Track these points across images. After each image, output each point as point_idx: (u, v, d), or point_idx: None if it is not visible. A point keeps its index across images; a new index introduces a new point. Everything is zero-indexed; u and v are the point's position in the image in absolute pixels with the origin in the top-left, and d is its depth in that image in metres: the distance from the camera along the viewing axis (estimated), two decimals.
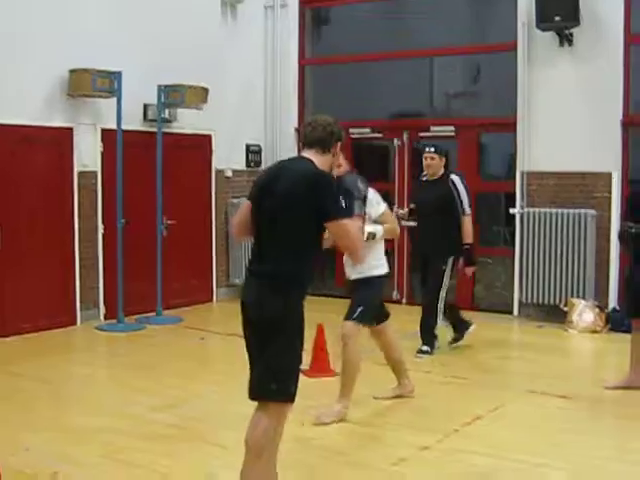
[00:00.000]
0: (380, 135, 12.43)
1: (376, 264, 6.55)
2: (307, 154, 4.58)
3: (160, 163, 10.54)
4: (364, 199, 5.80)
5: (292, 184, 4.35)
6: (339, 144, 4.66)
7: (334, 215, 4.27)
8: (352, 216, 4.65)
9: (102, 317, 10.43)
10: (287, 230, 4.34)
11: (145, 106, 10.75)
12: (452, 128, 11.59)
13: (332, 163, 4.69)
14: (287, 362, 4.37)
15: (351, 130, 12.37)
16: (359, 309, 6.45)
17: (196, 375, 8.03)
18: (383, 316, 6.87)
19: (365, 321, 6.55)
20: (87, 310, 10.29)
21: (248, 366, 4.49)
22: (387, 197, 12.05)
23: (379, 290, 6.78)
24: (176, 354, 9.02)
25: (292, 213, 4.30)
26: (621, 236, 7.86)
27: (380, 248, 6.66)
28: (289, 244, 4.36)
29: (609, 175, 10.38)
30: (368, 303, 6.55)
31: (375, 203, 6.49)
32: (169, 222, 10.84)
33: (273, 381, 4.31)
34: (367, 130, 12.38)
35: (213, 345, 9.65)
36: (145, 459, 5.64)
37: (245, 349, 4.57)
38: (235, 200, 12.05)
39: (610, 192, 10.38)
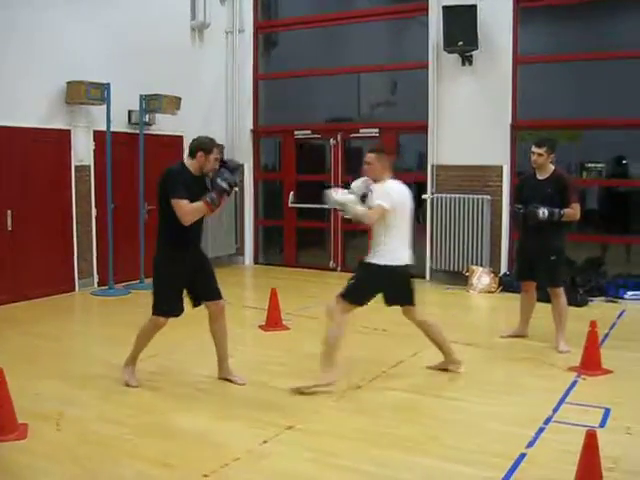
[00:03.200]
0: (319, 136, 12.38)
1: (381, 253, 5.78)
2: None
3: (142, 158, 10.39)
4: (364, 196, 5.80)
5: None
6: (200, 153, 5.61)
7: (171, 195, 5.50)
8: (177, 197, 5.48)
9: (96, 284, 10.25)
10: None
11: (129, 112, 10.56)
12: (377, 130, 11.60)
13: (202, 164, 5.62)
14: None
15: (296, 132, 12.35)
16: (347, 287, 5.86)
17: (174, 330, 7.90)
18: (402, 302, 6.12)
19: (349, 299, 5.81)
20: (84, 279, 10.12)
21: None
22: (324, 186, 12.15)
23: (373, 277, 5.85)
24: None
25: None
26: (512, 216, 8.06)
27: (392, 242, 5.78)
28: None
29: (501, 168, 10.47)
30: (356, 284, 5.85)
31: (374, 198, 5.73)
32: (149, 207, 10.68)
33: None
34: (308, 132, 12.33)
35: (186, 306, 9.51)
36: (134, 400, 5.60)
37: None
38: None
39: (501, 181, 10.48)
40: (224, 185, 5.52)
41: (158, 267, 5.94)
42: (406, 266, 5.87)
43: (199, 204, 5.48)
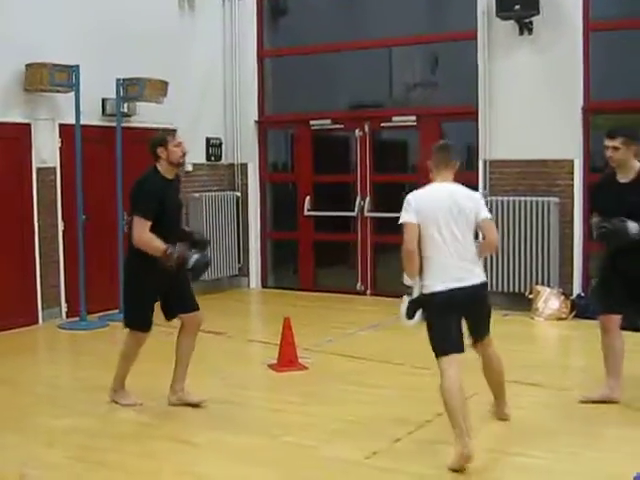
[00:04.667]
0: (341, 126, 12.39)
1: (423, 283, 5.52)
2: None
3: (120, 158, 10.43)
4: None
5: None
6: (159, 149, 6.46)
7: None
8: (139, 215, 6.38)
9: (64, 315, 10.30)
10: None
11: (103, 100, 10.64)
12: (413, 118, 11.60)
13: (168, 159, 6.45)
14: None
15: (312, 122, 12.36)
16: None
17: (164, 372, 7.91)
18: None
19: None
20: (49, 309, 10.17)
21: None
22: (349, 188, 12.17)
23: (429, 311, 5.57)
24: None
25: None
26: (598, 237, 6.67)
27: (427, 266, 5.52)
28: None
29: (571, 162, 10.43)
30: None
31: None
32: (129, 218, 10.72)
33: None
34: (328, 121, 12.34)
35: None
36: (115, 459, 5.56)
37: None
38: (196, 194, 11.98)
39: (572, 180, 10.43)
40: (191, 262, 6.37)
41: (130, 277, 6.69)
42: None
43: (158, 246, 6.24)
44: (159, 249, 6.21)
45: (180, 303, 6.67)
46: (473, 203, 5.65)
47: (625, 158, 6.31)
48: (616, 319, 6.66)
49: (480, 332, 5.88)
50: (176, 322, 6.86)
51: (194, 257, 6.39)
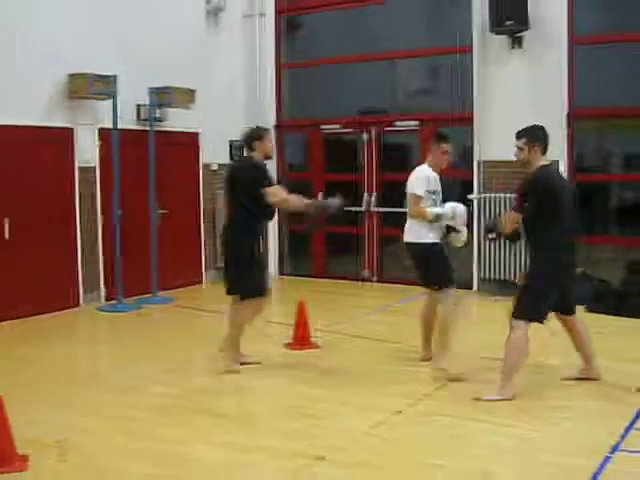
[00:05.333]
0: (350, 130, 12.39)
1: None
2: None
3: (153, 158, 10.46)
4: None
5: None
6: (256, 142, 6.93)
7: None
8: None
9: (103, 299, 10.33)
10: None
11: (138, 107, 10.66)
12: (415, 122, 11.59)
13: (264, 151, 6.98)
14: None
15: (323, 126, 12.35)
16: None
17: (192, 349, 7.97)
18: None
19: None
20: (89, 293, 10.21)
21: None
22: (356, 187, 12.18)
23: None
24: (172, 331, 8.97)
25: None
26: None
27: None
28: None
29: (556, 163, 10.35)
30: None
31: None
32: (162, 212, 10.79)
33: None
34: (337, 126, 12.34)
35: (205, 322, 9.57)
36: (149, 429, 5.59)
37: None
38: (221, 191, 11.99)
39: None
40: (331, 205, 6.82)
41: (245, 255, 6.90)
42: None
43: (299, 202, 7.02)
44: (301, 203, 6.93)
45: None
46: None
47: (528, 158, 6.07)
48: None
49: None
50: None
51: (332, 202, 6.81)
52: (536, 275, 6.16)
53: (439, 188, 7.04)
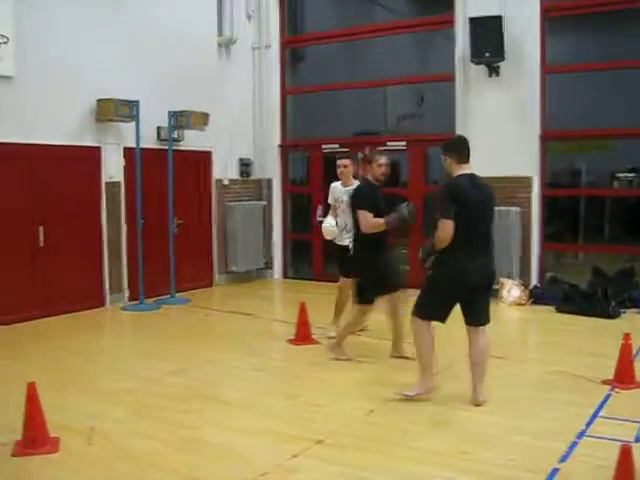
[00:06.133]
0: (347, 150, 12.36)
1: None
2: None
3: (171, 174, 10.46)
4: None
5: None
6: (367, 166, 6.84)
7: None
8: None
9: (126, 299, 10.32)
10: None
11: (158, 128, 10.65)
12: (404, 143, 11.59)
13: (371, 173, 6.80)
14: None
15: (323, 146, 12.36)
16: None
17: (204, 345, 7.97)
18: None
19: None
20: (114, 294, 10.19)
21: None
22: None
23: None
24: (187, 328, 8.96)
25: None
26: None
27: None
28: None
29: (530, 179, 10.40)
30: None
31: None
32: (178, 221, 10.80)
33: None
34: (336, 146, 12.33)
35: (216, 320, 9.57)
36: (166, 415, 5.59)
37: None
38: (231, 204, 12.05)
39: (530, 193, 10.39)
40: (404, 212, 6.51)
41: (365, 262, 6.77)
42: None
43: (379, 221, 6.55)
44: (380, 223, 6.52)
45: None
46: None
47: (447, 168, 5.75)
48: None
49: None
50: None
51: (404, 210, 6.52)
52: (435, 277, 5.66)
53: (344, 197, 7.65)
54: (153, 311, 9.88)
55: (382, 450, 4.84)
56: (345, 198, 7.60)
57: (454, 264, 5.48)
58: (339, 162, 7.93)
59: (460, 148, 5.69)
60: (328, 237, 7.94)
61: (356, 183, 7.52)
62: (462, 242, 5.41)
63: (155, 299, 10.38)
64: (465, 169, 5.62)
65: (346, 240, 7.62)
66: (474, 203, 5.48)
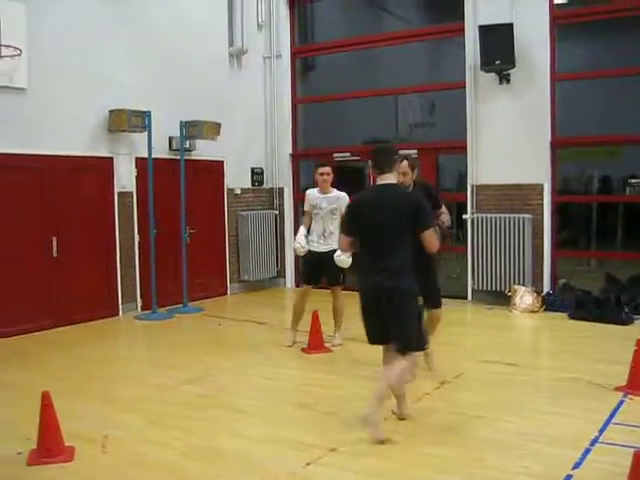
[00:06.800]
0: (358, 158, 12.42)
1: None
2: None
3: (183, 184, 10.52)
4: None
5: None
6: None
7: None
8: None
9: (139, 309, 10.37)
10: None
11: (170, 138, 10.71)
12: (415, 151, 11.59)
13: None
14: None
15: (335, 154, 12.38)
16: None
17: (218, 353, 8.00)
18: None
19: None
20: (127, 303, 10.23)
21: None
22: None
23: None
24: (200, 337, 8.99)
25: None
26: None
27: None
28: None
29: (541, 186, 10.39)
30: None
31: None
32: (191, 231, 10.84)
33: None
34: (347, 154, 12.37)
35: (229, 329, 9.60)
36: (180, 423, 5.62)
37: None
38: (243, 213, 12.09)
39: (542, 200, 10.39)
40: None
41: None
42: None
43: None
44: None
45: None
46: None
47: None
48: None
49: None
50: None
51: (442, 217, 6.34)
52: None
53: (324, 204, 7.88)
54: (166, 320, 9.92)
55: (396, 457, 4.84)
56: (325, 205, 7.87)
57: (358, 281, 5.38)
58: (323, 170, 7.98)
59: (378, 158, 5.29)
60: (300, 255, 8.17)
61: (334, 190, 7.88)
62: (363, 257, 5.32)
63: (168, 308, 10.42)
64: (384, 179, 5.23)
65: (326, 246, 7.82)
66: (368, 218, 5.18)
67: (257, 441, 5.19)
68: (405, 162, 6.30)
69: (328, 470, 4.66)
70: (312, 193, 8.09)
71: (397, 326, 5.11)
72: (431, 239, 5.11)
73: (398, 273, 5.07)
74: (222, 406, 6.06)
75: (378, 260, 5.13)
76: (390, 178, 5.22)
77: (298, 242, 7.95)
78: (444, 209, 6.55)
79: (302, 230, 8.03)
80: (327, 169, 8.01)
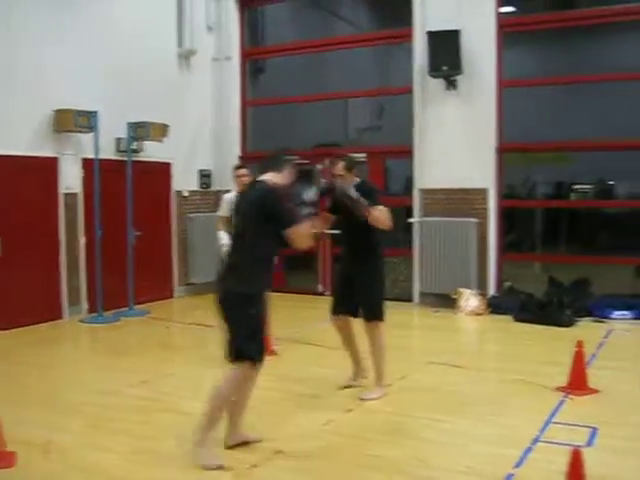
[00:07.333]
0: (307, 161, 12.41)
1: None
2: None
3: (130, 185, 10.41)
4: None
5: None
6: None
7: None
8: None
9: (85, 312, 10.24)
10: None
11: (117, 139, 10.61)
12: (364, 155, 11.68)
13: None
14: None
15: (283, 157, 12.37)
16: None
17: (164, 357, 7.96)
18: None
19: None
20: (73, 306, 10.09)
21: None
22: None
23: None
24: (146, 340, 8.93)
25: None
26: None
27: None
28: None
29: (487, 191, 10.56)
30: None
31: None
32: (137, 233, 10.74)
33: None
34: (296, 157, 12.36)
35: (176, 332, 9.56)
36: (125, 427, 5.58)
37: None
38: (191, 215, 12.04)
39: (487, 204, 10.55)
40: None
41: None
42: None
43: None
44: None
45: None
46: None
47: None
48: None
49: None
50: None
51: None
52: None
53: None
54: (112, 323, 9.81)
55: (339, 459, 4.89)
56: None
57: None
58: (239, 172, 7.71)
59: (264, 161, 5.23)
60: None
61: None
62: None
63: (114, 311, 10.31)
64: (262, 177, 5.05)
65: None
66: (234, 214, 5.13)
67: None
68: (341, 164, 6.25)
69: (271, 471, 4.68)
70: (231, 197, 7.81)
71: (229, 333, 4.86)
72: (297, 238, 4.76)
73: (235, 273, 4.82)
74: (168, 409, 6.03)
75: (229, 257, 4.99)
76: (268, 176, 4.97)
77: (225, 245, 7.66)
78: (381, 207, 6.08)
79: (222, 234, 7.86)
80: (243, 171, 7.83)
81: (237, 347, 4.80)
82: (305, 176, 5.36)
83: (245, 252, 4.80)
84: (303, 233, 4.77)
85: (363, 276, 6.16)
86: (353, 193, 6.01)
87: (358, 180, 6.24)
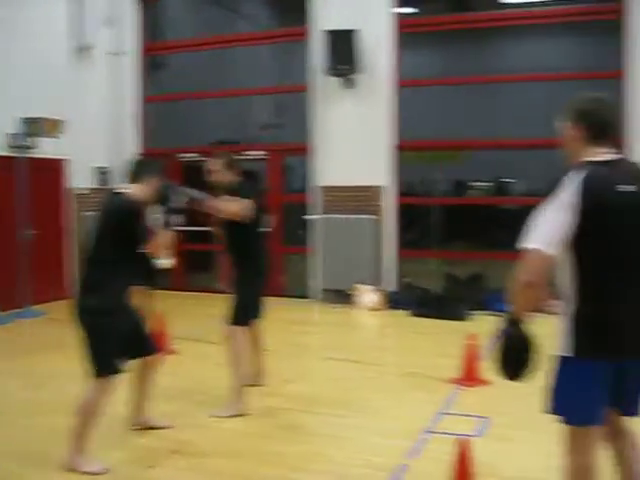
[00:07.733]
0: (206, 159, 12.34)
1: None
2: None
3: (23, 183, 10.12)
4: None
5: None
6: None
7: None
8: None
9: None
10: None
11: (9, 135, 10.27)
12: (263, 152, 11.73)
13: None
14: None
15: (179, 155, 12.28)
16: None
17: (59, 358, 7.77)
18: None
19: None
20: None
21: None
22: None
23: None
24: (41, 342, 8.70)
25: None
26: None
27: None
28: None
29: (384, 188, 10.75)
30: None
31: None
32: (31, 232, 10.44)
33: None
34: (195, 155, 12.31)
35: (71, 333, 9.32)
36: (13, 433, 5.47)
37: None
38: (87, 213, 11.76)
39: (384, 201, 10.74)
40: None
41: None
42: None
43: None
44: None
45: None
46: None
47: None
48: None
49: None
50: None
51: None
52: None
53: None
54: (4, 325, 9.50)
55: (236, 456, 4.92)
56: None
57: None
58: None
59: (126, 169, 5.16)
60: None
61: None
62: None
63: (7, 312, 9.99)
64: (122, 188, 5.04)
65: None
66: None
67: (100, 447, 5.09)
68: (219, 160, 6.11)
69: (172, 472, 4.67)
70: None
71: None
72: (155, 251, 4.94)
73: (87, 287, 4.84)
74: (58, 412, 5.89)
75: (83, 272, 4.95)
76: (128, 187, 4.90)
77: None
78: (228, 197, 5.94)
79: None
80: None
81: (97, 362, 4.74)
82: (172, 185, 5.29)
83: (98, 266, 4.77)
84: (160, 245, 4.82)
85: (236, 278, 6.09)
86: (195, 193, 5.83)
87: (239, 179, 6.06)
